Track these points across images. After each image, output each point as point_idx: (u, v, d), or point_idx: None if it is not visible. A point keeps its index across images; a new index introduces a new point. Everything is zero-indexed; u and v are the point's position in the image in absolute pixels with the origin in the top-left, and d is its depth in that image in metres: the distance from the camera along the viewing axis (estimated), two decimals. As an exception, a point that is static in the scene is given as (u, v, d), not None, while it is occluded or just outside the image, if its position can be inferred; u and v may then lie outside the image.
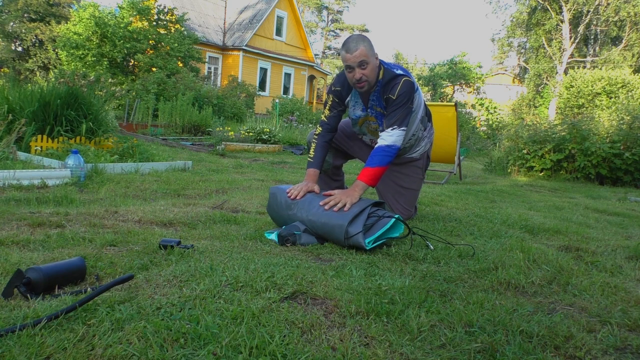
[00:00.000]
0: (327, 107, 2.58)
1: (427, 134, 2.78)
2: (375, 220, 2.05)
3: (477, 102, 18.35)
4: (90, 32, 14.26)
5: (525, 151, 7.44)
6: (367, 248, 1.94)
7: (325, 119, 2.57)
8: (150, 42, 14.87)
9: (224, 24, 22.64)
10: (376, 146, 2.37)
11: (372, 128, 2.63)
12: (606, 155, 6.71)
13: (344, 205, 2.09)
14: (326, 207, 2.10)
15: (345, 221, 1.99)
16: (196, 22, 21.17)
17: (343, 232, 1.97)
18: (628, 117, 7.41)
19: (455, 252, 2.01)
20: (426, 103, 2.88)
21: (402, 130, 2.37)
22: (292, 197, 2.24)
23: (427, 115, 2.75)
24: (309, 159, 2.53)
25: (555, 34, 24.30)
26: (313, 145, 2.55)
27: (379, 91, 2.43)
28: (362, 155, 2.87)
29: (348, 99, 2.55)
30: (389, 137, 2.35)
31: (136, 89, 12.08)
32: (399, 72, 2.39)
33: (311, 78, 26.91)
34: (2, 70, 20.75)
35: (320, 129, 2.57)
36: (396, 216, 2.08)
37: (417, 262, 1.87)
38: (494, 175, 7.69)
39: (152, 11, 15.35)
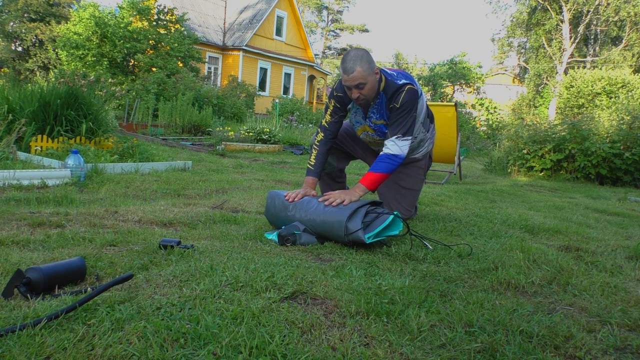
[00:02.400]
0: (328, 113, 2.55)
1: (429, 135, 2.77)
2: (374, 217, 2.06)
3: (477, 102, 18.35)
4: (90, 32, 14.26)
5: (525, 151, 7.44)
6: (367, 242, 1.95)
7: (326, 124, 2.54)
8: (150, 42, 14.87)
9: (224, 24, 22.64)
10: (381, 153, 2.37)
11: (369, 138, 2.63)
12: (606, 155, 6.71)
13: (343, 201, 2.11)
14: (325, 203, 2.12)
15: (344, 217, 2.00)
16: (196, 22, 21.17)
17: (342, 228, 1.98)
18: (628, 117, 7.41)
19: (455, 252, 2.01)
20: (427, 104, 2.88)
21: (407, 139, 2.37)
22: (289, 199, 2.25)
23: (430, 117, 2.75)
24: (308, 165, 2.52)
25: (555, 34, 24.29)
26: (314, 152, 2.53)
27: (380, 104, 2.42)
28: (366, 158, 2.87)
29: (350, 105, 2.54)
30: (394, 146, 2.35)
31: (136, 89, 12.08)
32: (402, 81, 2.38)
33: (311, 78, 26.91)
34: (2, 70, 20.76)
35: (322, 134, 2.54)
36: (395, 213, 2.08)
37: (417, 262, 1.87)
38: (494, 175, 7.69)
39: (152, 11, 15.35)
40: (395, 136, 2.36)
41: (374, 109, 2.45)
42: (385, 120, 2.45)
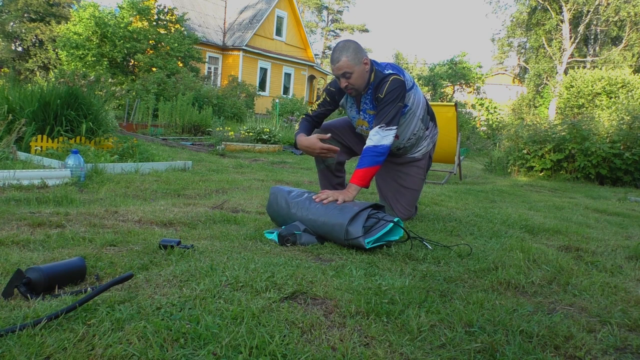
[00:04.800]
0: (317, 103, 2.63)
1: (429, 134, 2.77)
2: (375, 222, 2.05)
3: (477, 102, 18.36)
4: (90, 32, 14.26)
5: (525, 151, 7.44)
6: (367, 247, 1.95)
7: (310, 112, 2.63)
8: (150, 42, 14.87)
9: (224, 24, 22.64)
10: (365, 147, 2.38)
11: (364, 133, 2.65)
12: (606, 155, 6.71)
13: (336, 200, 2.13)
14: (317, 200, 2.15)
15: (345, 220, 1.99)
16: (196, 22, 21.16)
17: (343, 231, 1.98)
18: (628, 117, 7.41)
19: (455, 252, 2.01)
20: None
21: (390, 129, 2.36)
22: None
23: (430, 114, 2.74)
24: (295, 133, 2.61)
25: (555, 34, 24.29)
26: (296, 126, 2.64)
27: (371, 94, 2.44)
28: None
29: (342, 101, 2.59)
30: (376, 136, 2.35)
31: (136, 89, 12.08)
32: (388, 71, 2.41)
33: (311, 78, 26.91)
34: (2, 70, 20.75)
35: (303, 116, 2.65)
36: (395, 219, 2.08)
37: (417, 262, 1.87)
38: (494, 175, 7.68)
39: (152, 11, 15.35)
40: (379, 126, 2.37)
41: (365, 99, 2.48)
42: (375, 110, 2.48)
